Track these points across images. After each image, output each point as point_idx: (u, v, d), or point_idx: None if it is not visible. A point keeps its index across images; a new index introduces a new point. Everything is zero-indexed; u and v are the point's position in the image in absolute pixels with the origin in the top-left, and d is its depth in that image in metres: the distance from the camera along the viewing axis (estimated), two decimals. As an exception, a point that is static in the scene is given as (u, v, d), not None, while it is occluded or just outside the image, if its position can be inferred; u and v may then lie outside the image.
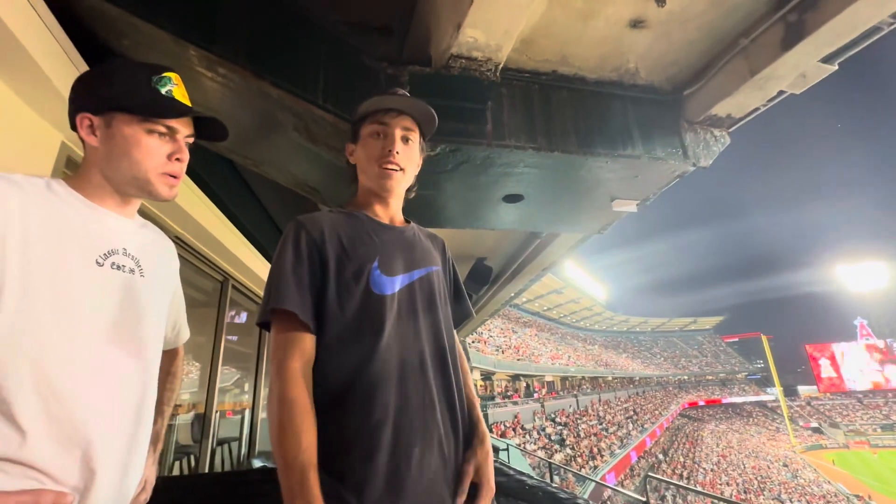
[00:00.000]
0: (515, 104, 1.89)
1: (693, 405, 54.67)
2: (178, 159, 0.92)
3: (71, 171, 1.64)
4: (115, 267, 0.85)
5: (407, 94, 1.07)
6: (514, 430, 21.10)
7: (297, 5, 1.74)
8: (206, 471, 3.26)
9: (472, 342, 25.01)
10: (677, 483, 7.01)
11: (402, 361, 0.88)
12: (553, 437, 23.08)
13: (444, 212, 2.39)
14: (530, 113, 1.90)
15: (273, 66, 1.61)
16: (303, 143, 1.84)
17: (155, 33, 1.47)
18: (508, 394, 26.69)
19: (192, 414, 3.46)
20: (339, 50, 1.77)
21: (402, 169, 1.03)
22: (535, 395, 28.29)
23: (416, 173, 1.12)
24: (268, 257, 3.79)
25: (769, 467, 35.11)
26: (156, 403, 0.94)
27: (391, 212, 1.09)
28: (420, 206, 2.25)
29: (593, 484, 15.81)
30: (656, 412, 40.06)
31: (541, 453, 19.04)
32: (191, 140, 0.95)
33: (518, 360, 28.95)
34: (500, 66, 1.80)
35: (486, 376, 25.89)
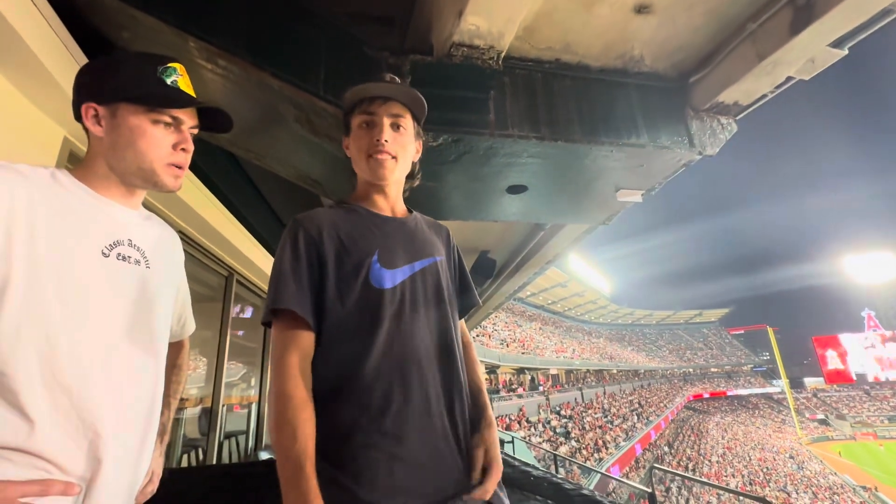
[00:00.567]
0: (518, 93, 1.86)
1: (698, 397, 54.59)
2: (183, 149, 0.92)
3: (73, 165, 1.64)
4: (120, 258, 0.85)
5: (396, 79, 1.04)
6: (518, 423, 21.20)
7: (297, -4, 1.72)
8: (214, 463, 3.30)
9: (477, 336, 25.07)
10: (682, 474, 7.00)
11: (403, 353, 0.88)
12: (558, 430, 23.17)
13: (446, 203, 2.37)
14: (533, 102, 1.87)
15: (274, 58, 1.60)
16: (304, 134, 1.83)
17: (155, 25, 1.46)
18: (513, 387, 26.80)
19: (199, 408, 3.49)
20: (340, 40, 1.75)
21: (394, 156, 1.01)
22: (540, 389, 28.38)
23: (416, 159, 1.11)
24: (272, 252, 3.79)
25: (775, 459, 35.11)
26: (162, 396, 0.94)
27: (391, 201, 1.08)
28: (422, 197, 2.24)
29: (598, 476, 15.88)
30: (661, 405, 40.03)
31: (546, 446, 19.14)
32: (195, 131, 0.95)
33: (523, 353, 29.01)
34: (503, 54, 1.78)
35: (491, 370, 25.96)
